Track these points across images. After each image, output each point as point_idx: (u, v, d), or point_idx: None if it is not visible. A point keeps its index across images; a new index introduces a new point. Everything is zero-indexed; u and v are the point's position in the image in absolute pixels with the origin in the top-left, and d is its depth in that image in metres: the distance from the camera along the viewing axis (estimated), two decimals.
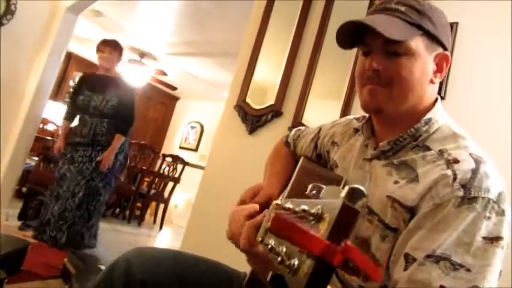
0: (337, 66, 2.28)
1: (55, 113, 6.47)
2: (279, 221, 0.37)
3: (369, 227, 0.84)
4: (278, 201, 0.57)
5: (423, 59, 0.84)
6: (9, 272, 1.85)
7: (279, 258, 0.42)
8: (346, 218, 0.38)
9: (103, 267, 1.02)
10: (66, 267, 2.43)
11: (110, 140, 3.35)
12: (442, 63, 0.88)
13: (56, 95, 6.35)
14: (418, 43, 0.83)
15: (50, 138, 5.62)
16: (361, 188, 0.40)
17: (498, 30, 1.80)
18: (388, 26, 0.81)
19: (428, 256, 0.71)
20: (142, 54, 5.96)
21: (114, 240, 4.25)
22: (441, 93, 1.81)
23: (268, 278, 0.48)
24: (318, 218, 0.40)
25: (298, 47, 2.51)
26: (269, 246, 0.48)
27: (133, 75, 6.10)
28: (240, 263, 0.95)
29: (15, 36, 3.55)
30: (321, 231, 0.38)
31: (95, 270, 1.87)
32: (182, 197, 6.78)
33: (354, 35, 0.87)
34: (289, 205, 0.49)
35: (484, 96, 1.77)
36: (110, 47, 3.38)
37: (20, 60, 3.66)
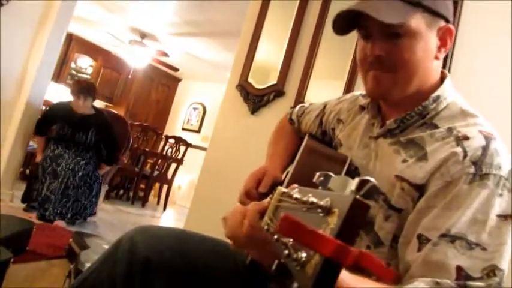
0: (340, 46, 2.25)
1: (57, 95, 6.46)
2: (288, 222, 0.36)
3: (374, 206, 0.84)
4: (284, 189, 0.55)
5: (425, 37, 0.81)
6: (15, 252, 1.87)
7: (286, 251, 0.41)
8: (357, 214, 0.37)
9: (107, 247, 1.02)
10: (71, 247, 2.45)
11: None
12: (446, 37, 0.85)
13: (57, 77, 6.33)
14: (418, 21, 0.80)
15: None
16: (373, 180, 0.39)
17: (503, 7, 1.77)
18: (384, 9, 0.78)
19: (442, 235, 0.69)
20: (143, 35, 5.90)
21: (118, 221, 4.29)
22: (445, 67, 1.79)
23: (274, 267, 0.47)
24: (327, 211, 0.39)
25: (300, 26, 2.48)
26: (275, 236, 0.46)
27: (134, 57, 6.06)
28: None
29: (15, 17, 3.52)
30: (330, 225, 0.37)
31: (100, 250, 1.89)
32: (185, 178, 6.81)
33: (350, 19, 0.84)
34: (296, 195, 0.47)
35: (488, 72, 1.75)
36: (84, 95, 3.56)
37: (20, 42, 3.64)
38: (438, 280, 0.66)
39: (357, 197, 0.37)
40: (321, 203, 0.40)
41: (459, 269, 0.66)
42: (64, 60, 6.51)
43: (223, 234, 1.14)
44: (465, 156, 0.74)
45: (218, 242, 1.07)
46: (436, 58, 0.85)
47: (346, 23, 0.86)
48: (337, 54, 2.33)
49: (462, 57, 1.79)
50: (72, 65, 6.79)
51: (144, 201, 5.60)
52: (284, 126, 1.26)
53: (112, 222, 4.12)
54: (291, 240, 0.41)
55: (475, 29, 1.82)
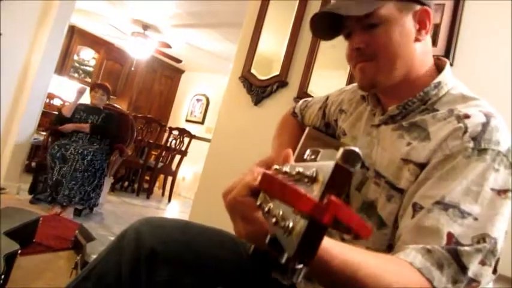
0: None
1: (61, 88, 6.47)
2: (267, 178, 0.37)
3: (376, 189, 0.86)
4: (276, 166, 0.56)
5: (399, 21, 0.84)
6: (21, 244, 1.89)
7: (274, 219, 0.43)
8: (339, 178, 0.39)
9: (113, 239, 1.03)
10: (78, 239, 2.47)
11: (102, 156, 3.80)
12: (424, 19, 0.87)
13: (60, 70, 6.33)
14: (389, 9, 0.83)
15: (56, 113, 5.63)
16: (357, 150, 0.41)
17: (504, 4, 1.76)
18: (353, 5, 0.83)
19: (436, 203, 0.71)
20: (146, 27, 5.89)
21: (123, 213, 4.32)
22: (448, 59, 1.79)
23: (267, 241, 0.49)
24: (313, 179, 0.41)
25: (302, 16, 2.47)
26: (266, 209, 0.49)
27: (136, 48, 6.05)
28: None
29: (17, 9, 3.52)
30: (315, 191, 0.39)
31: (106, 242, 1.91)
32: (189, 170, 6.83)
33: (331, 23, 0.89)
34: (286, 169, 0.49)
35: (491, 63, 1.75)
36: (102, 90, 4.11)
37: (23, 34, 3.64)
38: (429, 247, 0.66)
39: (339, 163, 0.39)
40: (307, 172, 0.42)
41: (450, 235, 0.67)
42: (67, 53, 6.51)
43: (228, 225, 1.15)
44: (465, 132, 0.75)
45: (223, 233, 1.08)
46: (417, 40, 0.87)
47: (325, 26, 0.91)
48: (340, 44, 2.31)
49: (463, 54, 1.78)
50: (75, 57, 6.79)
51: (148, 193, 5.63)
52: (288, 120, 1.28)
53: (117, 214, 4.15)
54: (281, 212, 0.43)
55: (476, 27, 1.81)
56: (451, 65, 1.79)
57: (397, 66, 0.86)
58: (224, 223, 1.19)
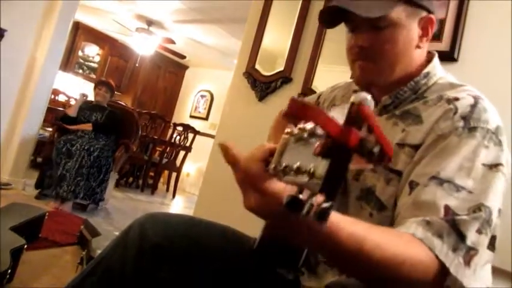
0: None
1: (66, 84, 6.49)
2: (297, 103, 0.40)
3: (373, 175, 0.87)
4: (288, 129, 0.56)
5: (406, 27, 0.86)
6: (27, 239, 1.91)
7: (295, 168, 0.45)
8: (357, 114, 0.42)
9: (118, 234, 1.04)
10: (83, 234, 2.49)
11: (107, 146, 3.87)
12: (427, 27, 0.89)
13: (65, 66, 6.35)
14: (399, 13, 0.84)
15: (62, 109, 5.64)
16: (368, 96, 0.44)
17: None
18: (365, 4, 0.84)
19: (432, 177, 0.74)
20: (150, 23, 5.88)
21: (128, 208, 4.34)
22: (453, 55, 1.78)
23: (286, 201, 0.46)
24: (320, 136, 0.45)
25: (307, 11, 2.46)
26: (284, 165, 0.51)
27: (141, 44, 6.05)
28: (250, 229, 0.97)
29: (22, 6, 3.52)
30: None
31: (111, 237, 1.92)
32: (194, 166, 6.84)
33: (336, 14, 0.89)
34: (299, 126, 0.52)
35: (496, 58, 1.74)
36: (106, 87, 4.14)
37: (28, 31, 3.65)
38: (428, 219, 0.69)
39: (355, 102, 0.43)
40: (318, 131, 0.45)
41: (447, 207, 0.70)
42: (71, 49, 6.53)
43: (232, 221, 1.15)
44: (455, 112, 0.79)
45: (226, 228, 1.08)
46: (418, 47, 0.90)
47: (333, 17, 0.92)
48: (344, 39, 2.30)
49: (469, 49, 1.77)
50: (80, 53, 6.80)
51: (153, 189, 5.65)
52: (280, 122, 1.28)
53: (122, 210, 4.17)
54: (299, 162, 0.45)
55: (482, 22, 1.80)
56: (456, 60, 1.79)
57: (396, 70, 0.89)
58: (228, 219, 1.20)
